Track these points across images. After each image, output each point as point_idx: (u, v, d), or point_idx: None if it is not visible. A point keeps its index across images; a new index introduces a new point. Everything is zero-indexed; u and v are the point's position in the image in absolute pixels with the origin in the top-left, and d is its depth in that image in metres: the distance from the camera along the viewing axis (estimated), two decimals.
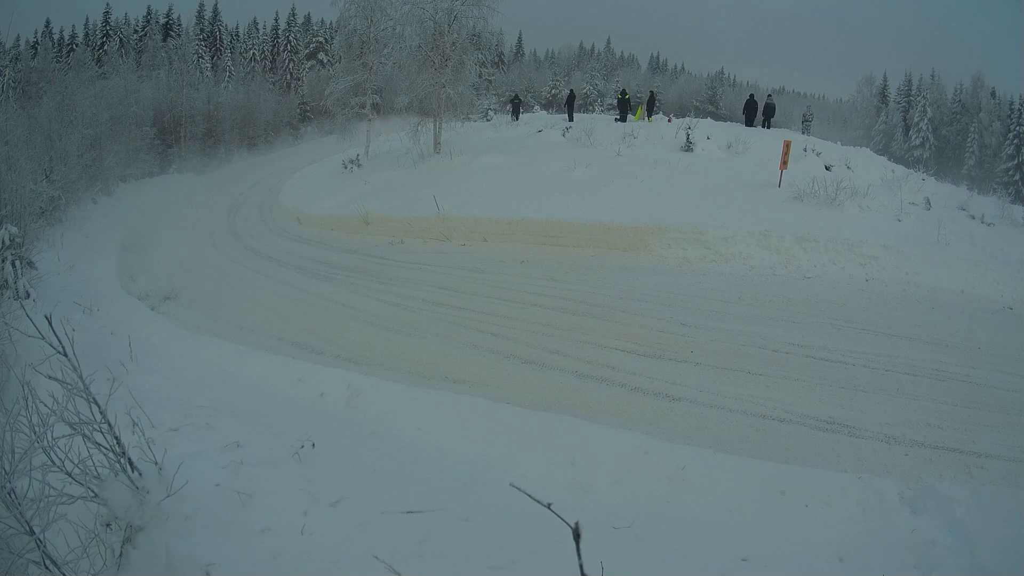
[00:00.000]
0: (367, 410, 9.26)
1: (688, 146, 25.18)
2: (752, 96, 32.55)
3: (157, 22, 65.45)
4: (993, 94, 64.63)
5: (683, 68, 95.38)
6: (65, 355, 5.85)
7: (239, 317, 15.20)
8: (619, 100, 34.69)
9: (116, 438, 6.13)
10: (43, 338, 5.81)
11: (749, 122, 30.67)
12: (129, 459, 6.17)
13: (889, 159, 32.96)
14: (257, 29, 70.76)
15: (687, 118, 36.32)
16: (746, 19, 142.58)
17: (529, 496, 2.61)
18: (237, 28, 70.33)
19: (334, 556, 5.43)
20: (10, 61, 51.23)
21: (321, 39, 66.24)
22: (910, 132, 63.66)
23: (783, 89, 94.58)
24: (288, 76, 66.30)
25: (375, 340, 12.93)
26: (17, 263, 16.33)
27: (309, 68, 65.93)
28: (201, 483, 6.46)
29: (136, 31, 65.41)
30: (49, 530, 5.14)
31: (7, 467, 5.26)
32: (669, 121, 32.62)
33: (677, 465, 7.57)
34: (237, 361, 11.90)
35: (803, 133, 32.44)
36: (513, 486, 4.35)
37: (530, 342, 12.32)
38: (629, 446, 7.92)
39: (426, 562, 5.45)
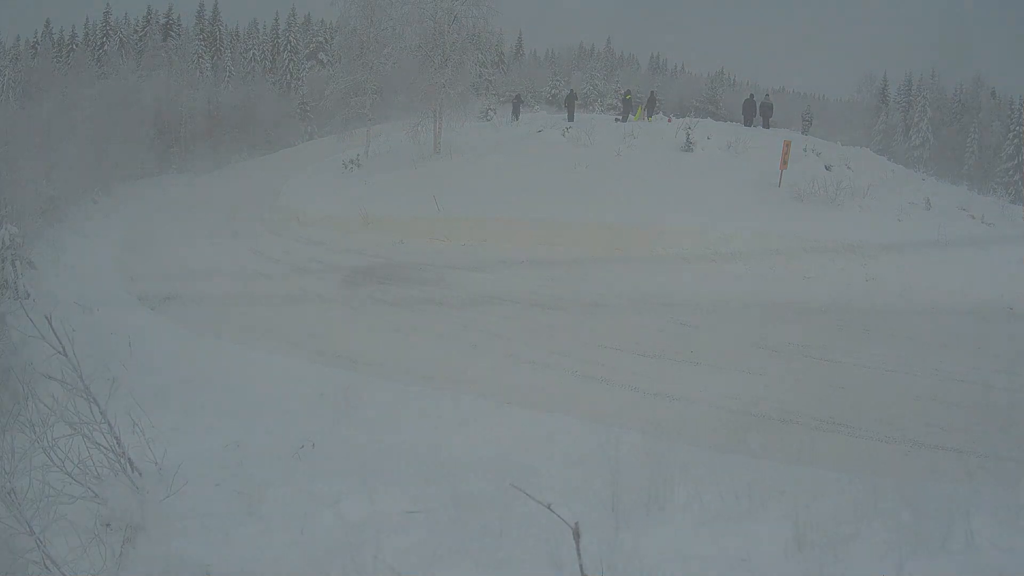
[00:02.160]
0: (367, 410, 9.25)
1: (688, 146, 25.17)
2: (751, 96, 32.56)
3: (157, 22, 65.44)
4: (993, 94, 64.61)
5: (683, 68, 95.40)
6: (65, 355, 5.85)
7: (239, 317, 15.19)
8: (624, 100, 34.67)
9: (116, 438, 6.13)
10: (43, 338, 5.81)
11: (747, 122, 30.66)
12: (129, 459, 6.18)
13: (889, 159, 32.93)
14: (257, 29, 70.78)
15: (687, 118, 36.31)
16: (746, 19, 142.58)
17: (529, 496, 2.62)
18: (237, 28, 70.36)
19: (334, 556, 5.42)
20: (10, 61, 51.27)
21: (321, 39, 66.23)
22: (910, 132, 63.64)
23: (783, 89, 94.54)
24: (288, 76, 66.28)
25: (375, 340, 12.91)
26: (17, 263, 16.32)
27: (309, 68, 65.92)
28: (201, 483, 6.46)
29: (136, 31, 65.42)
30: (49, 530, 5.13)
31: (7, 467, 5.25)
32: (669, 121, 32.59)
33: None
34: (237, 361, 11.89)
35: (803, 133, 32.43)
36: (513, 486, 4.36)
37: (529, 341, 12.31)
38: (626, 444, 7.90)
39: (426, 562, 5.44)
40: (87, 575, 5.11)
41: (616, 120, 33.12)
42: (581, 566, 3.12)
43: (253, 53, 66.28)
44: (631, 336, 12.40)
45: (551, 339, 12.40)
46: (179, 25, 65.32)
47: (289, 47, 68.24)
